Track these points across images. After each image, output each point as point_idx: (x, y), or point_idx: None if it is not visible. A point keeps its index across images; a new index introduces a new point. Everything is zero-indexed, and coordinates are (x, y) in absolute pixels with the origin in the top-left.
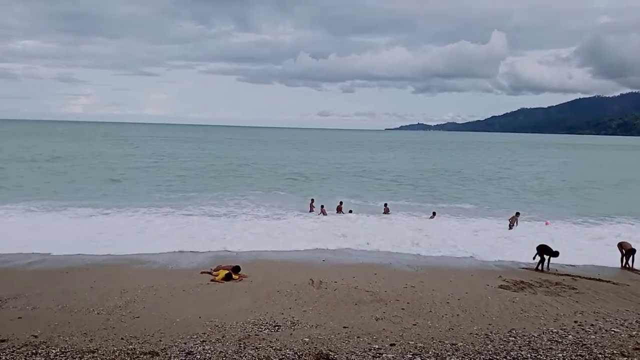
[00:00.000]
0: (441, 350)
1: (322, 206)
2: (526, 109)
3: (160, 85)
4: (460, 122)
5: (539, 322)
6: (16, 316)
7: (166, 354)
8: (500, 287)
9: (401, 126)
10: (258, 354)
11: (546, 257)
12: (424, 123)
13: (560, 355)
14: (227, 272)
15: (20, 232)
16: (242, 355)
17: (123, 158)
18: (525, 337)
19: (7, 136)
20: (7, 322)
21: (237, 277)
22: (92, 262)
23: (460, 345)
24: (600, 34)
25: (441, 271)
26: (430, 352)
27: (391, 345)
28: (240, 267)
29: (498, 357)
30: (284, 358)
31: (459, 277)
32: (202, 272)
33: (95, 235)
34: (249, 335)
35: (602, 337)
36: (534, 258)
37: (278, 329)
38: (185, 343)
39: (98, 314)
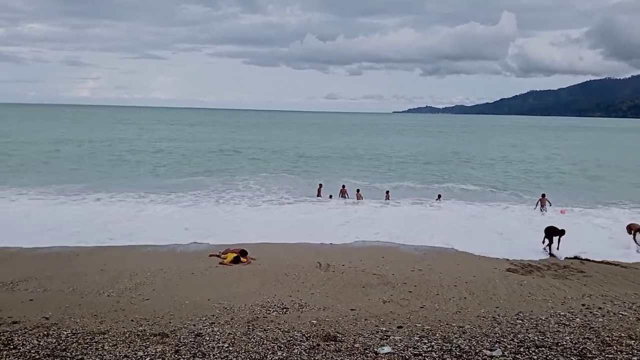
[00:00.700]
0: (448, 332)
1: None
2: (536, 91)
3: (167, 69)
4: (468, 105)
5: (546, 305)
6: (27, 298)
7: (176, 335)
8: (508, 270)
9: (409, 109)
10: (266, 336)
11: (555, 238)
12: (432, 106)
13: (568, 337)
14: (235, 255)
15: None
16: (250, 337)
17: (132, 143)
18: (532, 320)
19: (19, 121)
20: (19, 304)
21: (245, 260)
22: (102, 245)
23: (468, 328)
24: (611, 15)
25: (448, 254)
26: (437, 335)
27: (398, 327)
28: (247, 250)
29: (505, 340)
30: (291, 340)
31: (467, 261)
32: (210, 255)
33: (101, 224)
34: (257, 317)
35: (610, 320)
36: (543, 242)
37: (286, 311)
38: (194, 325)
39: (108, 296)
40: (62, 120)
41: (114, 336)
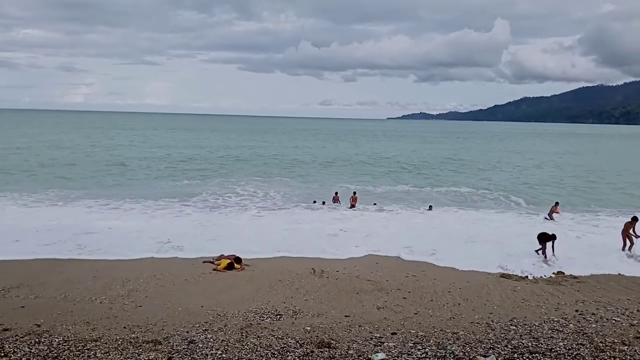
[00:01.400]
0: (442, 338)
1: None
2: (529, 97)
3: (162, 74)
4: (462, 111)
5: (540, 311)
6: (19, 305)
7: (168, 342)
8: (502, 276)
9: (403, 115)
10: (260, 343)
11: (548, 243)
12: (426, 112)
13: (561, 343)
14: (229, 261)
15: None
16: (244, 343)
17: (127, 149)
18: (526, 326)
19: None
20: (10, 311)
21: (239, 266)
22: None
23: (462, 334)
24: (604, 22)
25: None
26: (431, 341)
27: (392, 334)
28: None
29: (499, 346)
30: (285, 346)
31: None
32: (204, 262)
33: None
34: (250, 324)
35: (603, 325)
36: (537, 251)
37: (280, 317)
38: (187, 332)
39: (101, 303)
40: (59, 125)
41: (106, 343)
